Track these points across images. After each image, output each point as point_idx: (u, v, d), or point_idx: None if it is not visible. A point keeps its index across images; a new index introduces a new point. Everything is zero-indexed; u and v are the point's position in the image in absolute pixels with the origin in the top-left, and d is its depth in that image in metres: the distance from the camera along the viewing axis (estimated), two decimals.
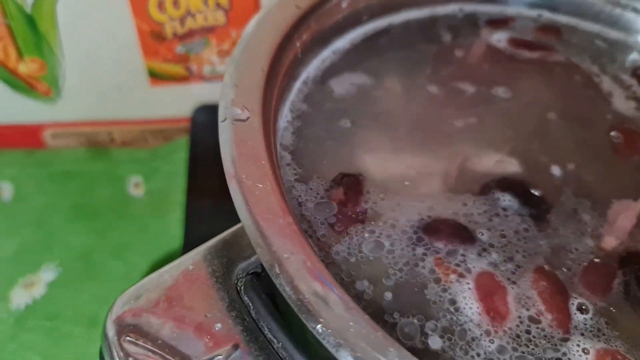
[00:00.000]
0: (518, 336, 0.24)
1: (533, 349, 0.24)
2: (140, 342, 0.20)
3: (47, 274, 0.43)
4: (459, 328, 0.24)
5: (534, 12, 0.40)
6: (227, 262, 0.24)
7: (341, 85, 0.33)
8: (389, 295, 0.24)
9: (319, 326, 0.19)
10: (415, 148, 0.32)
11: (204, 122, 0.48)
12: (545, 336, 0.24)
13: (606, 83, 0.36)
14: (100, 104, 0.48)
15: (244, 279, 0.23)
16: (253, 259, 0.24)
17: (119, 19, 0.42)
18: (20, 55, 0.44)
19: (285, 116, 0.31)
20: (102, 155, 0.50)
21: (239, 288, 0.23)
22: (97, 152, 0.50)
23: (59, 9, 0.42)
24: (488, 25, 0.38)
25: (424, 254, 0.26)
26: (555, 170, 0.30)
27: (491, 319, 0.24)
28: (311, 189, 0.28)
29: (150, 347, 0.20)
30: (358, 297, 0.24)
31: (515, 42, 0.37)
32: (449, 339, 0.24)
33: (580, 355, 0.24)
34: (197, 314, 0.22)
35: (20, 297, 0.42)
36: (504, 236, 0.27)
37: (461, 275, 0.26)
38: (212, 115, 0.48)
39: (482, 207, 0.28)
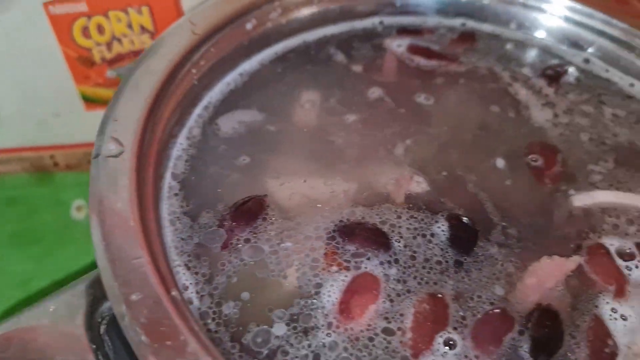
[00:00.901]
0: (357, 339, 0.24)
1: (365, 355, 0.24)
2: None
3: None
4: (307, 312, 0.24)
5: (456, 22, 0.40)
6: (94, 300, 0.24)
7: (243, 111, 0.33)
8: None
9: None
10: (321, 169, 0.31)
11: None
12: (387, 348, 0.24)
13: (521, 92, 0.36)
14: (41, 129, 0.48)
15: (107, 318, 0.23)
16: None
17: (46, 47, 0.43)
18: None
19: (180, 144, 0.31)
20: (46, 179, 0.50)
21: (100, 327, 0.23)
22: (42, 176, 0.50)
23: None
24: (397, 34, 0.38)
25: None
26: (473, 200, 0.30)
27: (339, 313, 0.24)
28: (200, 219, 0.28)
29: None
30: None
31: (413, 49, 0.37)
32: (294, 328, 0.24)
33: None
34: (49, 356, 0.22)
35: None
36: (413, 258, 0.27)
37: (345, 269, 0.26)
38: None
39: (415, 223, 0.28)
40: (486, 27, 0.40)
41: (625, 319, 0.26)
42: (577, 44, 0.38)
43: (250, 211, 0.28)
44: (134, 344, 0.20)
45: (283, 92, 0.34)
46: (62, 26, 0.42)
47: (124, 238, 0.23)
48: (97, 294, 0.24)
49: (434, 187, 0.30)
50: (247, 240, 0.27)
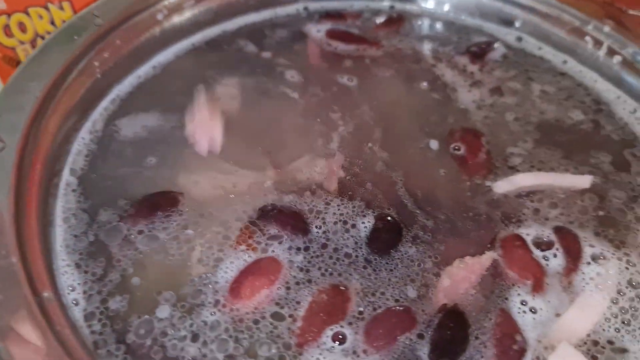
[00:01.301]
0: (241, 321, 0.23)
1: (246, 337, 0.23)
2: None
3: None
4: (198, 288, 0.24)
5: (384, 4, 0.39)
6: None
7: (146, 112, 0.31)
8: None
9: None
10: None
11: None
12: (272, 333, 0.23)
13: (446, 73, 0.34)
14: None
15: None
16: None
17: None
18: None
19: (82, 138, 0.29)
20: None
21: None
22: None
23: None
24: (320, 19, 0.37)
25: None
26: (404, 196, 0.28)
27: (229, 292, 0.24)
28: (99, 216, 0.26)
29: None
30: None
31: (332, 34, 0.36)
32: (181, 307, 0.23)
33: None
34: None
35: None
36: (325, 247, 0.26)
37: (251, 249, 0.25)
38: None
39: (343, 211, 0.27)
40: (414, 8, 0.38)
41: (534, 312, 0.24)
42: (506, 21, 0.37)
43: (159, 204, 0.26)
44: None
45: (197, 84, 0.33)
46: None
47: None
48: None
49: (360, 175, 0.28)
50: (150, 230, 0.26)
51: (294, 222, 0.26)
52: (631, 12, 0.36)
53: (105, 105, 0.31)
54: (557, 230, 0.27)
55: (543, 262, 0.26)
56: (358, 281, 0.25)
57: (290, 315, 0.23)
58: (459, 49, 0.36)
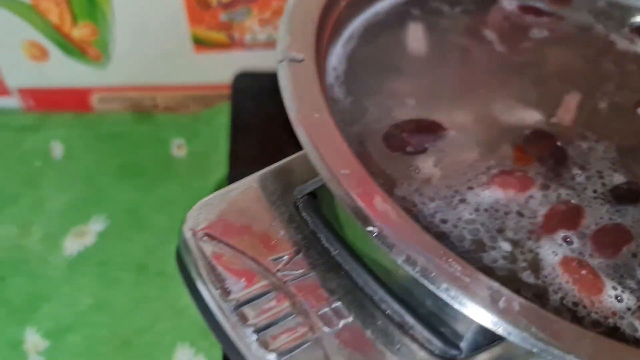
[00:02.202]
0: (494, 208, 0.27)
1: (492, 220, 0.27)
2: (214, 241, 0.23)
3: (96, 225, 0.46)
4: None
5: None
6: (285, 184, 0.26)
7: (383, 39, 0.36)
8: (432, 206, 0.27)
9: (373, 228, 0.22)
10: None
11: (244, 87, 0.50)
12: (518, 224, 0.27)
13: (621, 43, 0.38)
14: (147, 69, 0.50)
15: (302, 199, 0.26)
16: (309, 182, 0.26)
17: None
18: (74, 20, 0.46)
19: (333, 68, 0.33)
20: (146, 119, 0.53)
21: (297, 206, 0.26)
22: (141, 116, 0.53)
23: None
24: None
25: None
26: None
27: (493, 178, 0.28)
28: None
29: (224, 244, 0.22)
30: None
31: (524, 9, 0.39)
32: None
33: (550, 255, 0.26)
34: (262, 223, 0.24)
35: (72, 245, 0.44)
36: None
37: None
38: (253, 82, 0.51)
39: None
40: None
41: None
42: None
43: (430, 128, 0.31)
44: (350, 209, 0.23)
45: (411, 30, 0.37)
46: None
47: (324, 129, 0.25)
48: (289, 179, 0.26)
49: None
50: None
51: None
52: None
53: (343, 41, 0.35)
54: None
55: None
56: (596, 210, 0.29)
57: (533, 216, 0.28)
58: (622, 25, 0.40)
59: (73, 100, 0.52)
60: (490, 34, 0.38)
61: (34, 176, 0.48)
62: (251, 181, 0.26)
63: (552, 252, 0.27)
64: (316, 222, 0.25)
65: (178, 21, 0.47)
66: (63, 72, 0.50)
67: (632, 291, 0.25)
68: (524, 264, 0.26)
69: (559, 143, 0.31)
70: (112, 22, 0.47)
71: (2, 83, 0.50)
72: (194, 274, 0.22)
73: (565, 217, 0.28)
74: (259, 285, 0.22)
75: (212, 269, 0.22)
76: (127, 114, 0.53)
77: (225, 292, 0.21)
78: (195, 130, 0.52)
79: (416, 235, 0.22)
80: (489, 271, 0.26)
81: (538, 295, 0.26)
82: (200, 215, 0.24)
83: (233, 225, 0.24)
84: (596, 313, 0.25)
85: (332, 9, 0.33)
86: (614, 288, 0.25)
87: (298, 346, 0.21)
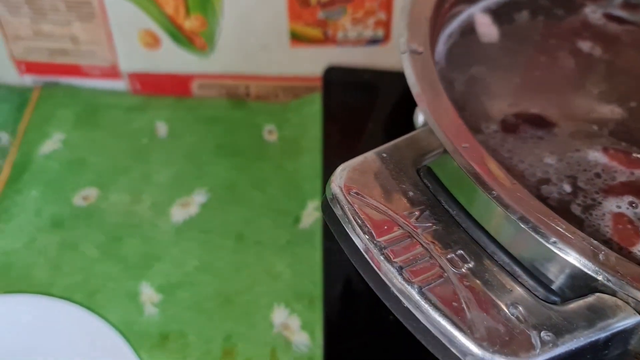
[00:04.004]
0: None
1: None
2: (358, 196, 0.27)
3: (199, 197, 0.51)
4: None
5: None
6: (408, 156, 0.31)
7: (483, 36, 0.40)
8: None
9: (493, 192, 0.26)
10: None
11: (334, 80, 0.55)
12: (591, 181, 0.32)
13: None
14: (244, 60, 0.55)
15: (423, 168, 0.30)
16: (428, 155, 0.31)
17: None
18: (187, 12, 0.52)
19: (436, 63, 0.38)
20: (240, 105, 0.58)
21: (420, 174, 0.30)
22: (236, 102, 0.58)
23: None
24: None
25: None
26: None
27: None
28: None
29: (370, 199, 0.27)
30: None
31: (609, 16, 0.43)
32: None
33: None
34: (393, 186, 0.29)
35: (178, 213, 0.50)
36: None
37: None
38: (341, 75, 0.56)
39: None
40: None
41: None
42: None
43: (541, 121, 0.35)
44: (470, 174, 0.27)
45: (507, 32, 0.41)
46: None
47: (445, 110, 0.30)
48: (414, 151, 0.31)
49: None
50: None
51: None
52: None
53: (446, 35, 0.40)
54: None
55: None
56: None
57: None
58: None
59: (175, 86, 0.57)
60: (579, 38, 0.42)
61: (142, 152, 0.54)
62: (384, 150, 0.31)
63: (615, 205, 0.31)
64: (436, 188, 0.29)
65: (279, 17, 0.52)
66: (171, 59, 0.55)
67: None
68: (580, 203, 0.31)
69: None
70: (221, 16, 0.52)
71: (115, 68, 0.56)
72: (344, 222, 0.27)
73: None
74: (398, 232, 0.26)
75: (359, 218, 0.26)
76: (223, 100, 0.58)
77: (372, 237, 0.26)
78: (285, 117, 0.57)
79: (526, 198, 0.26)
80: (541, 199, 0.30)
81: (575, 220, 0.30)
82: (343, 176, 0.29)
83: (370, 185, 0.28)
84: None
85: (441, 9, 0.38)
86: None
87: (433, 281, 0.25)
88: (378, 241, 0.26)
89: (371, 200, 0.27)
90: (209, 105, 0.58)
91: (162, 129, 0.55)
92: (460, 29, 0.41)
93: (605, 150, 0.35)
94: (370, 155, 0.30)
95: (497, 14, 0.42)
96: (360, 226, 0.26)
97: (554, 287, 0.27)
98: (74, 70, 0.56)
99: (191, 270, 0.46)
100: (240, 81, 0.57)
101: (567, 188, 0.32)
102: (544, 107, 0.37)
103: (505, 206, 0.26)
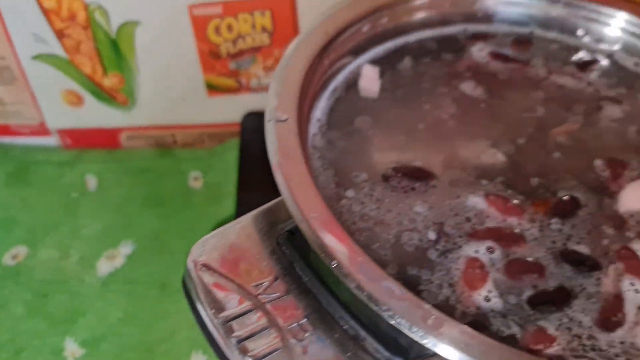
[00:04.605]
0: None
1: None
2: (209, 273, 0.29)
3: (125, 249, 0.53)
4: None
5: (525, 29, 0.48)
6: (271, 222, 0.33)
7: (364, 90, 0.42)
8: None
9: (333, 262, 0.28)
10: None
11: (252, 126, 0.57)
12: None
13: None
14: (167, 111, 0.58)
15: (283, 235, 0.32)
16: (289, 221, 0.33)
17: (184, 41, 0.52)
18: (104, 71, 0.54)
19: (317, 119, 0.40)
20: (167, 154, 0.60)
21: (279, 240, 0.32)
22: (163, 151, 0.60)
23: (137, 34, 0.52)
24: (473, 39, 0.46)
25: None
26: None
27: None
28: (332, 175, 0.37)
29: (221, 273, 0.29)
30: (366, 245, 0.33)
31: (494, 55, 0.45)
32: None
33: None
34: (250, 255, 0.31)
35: (104, 266, 0.52)
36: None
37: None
38: (259, 121, 0.58)
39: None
40: (549, 35, 0.48)
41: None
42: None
43: (417, 174, 0.37)
44: (317, 246, 0.29)
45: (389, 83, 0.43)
46: (200, 25, 0.51)
47: (299, 178, 0.32)
48: (272, 218, 0.33)
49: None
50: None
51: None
52: None
53: (327, 95, 0.41)
54: None
55: None
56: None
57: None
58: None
59: (104, 139, 0.59)
60: (463, 81, 0.44)
61: (72, 206, 0.56)
62: (245, 220, 0.33)
63: (474, 250, 0.33)
64: (293, 255, 0.31)
65: (193, 70, 0.54)
66: (96, 115, 0.57)
67: (504, 303, 0.31)
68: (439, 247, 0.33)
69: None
70: (137, 72, 0.54)
71: (43, 125, 0.58)
72: (194, 297, 0.29)
73: (504, 237, 0.34)
74: (243, 306, 0.28)
75: (207, 293, 0.28)
76: (151, 150, 0.60)
77: (217, 311, 0.28)
78: (210, 163, 0.59)
79: (367, 265, 0.28)
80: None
81: (428, 264, 0.32)
82: (201, 249, 0.31)
83: (227, 257, 0.30)
84: (460, 302, 0.31)
85: (317, 69, 0.40)
86: (489, 292, 0.31)
87: (270, 353, 0.27)
88: (222, 316, 0.28)
89: (222, 275, 0.29)
90: (138, 156, 0.60)
91: (92, 182, 0.57)
92: (346, 81, 0.43)
93: (486, 196, 0.36)
94: (230, 226, 0.32)
95: (384, 63, 0.44)
96: (206, 302, 0.28)
97: (397, 349, 0.29)
98: (3, 129, 0.58)
99: (115, 322, 0.48)
100: (166, 131, 0.59)
101: (432, 235, 0.34)
102: (427, 158, 0.39)
103: (344, 276, 0.28)
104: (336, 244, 0.29)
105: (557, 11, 0.47)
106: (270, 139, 0.34)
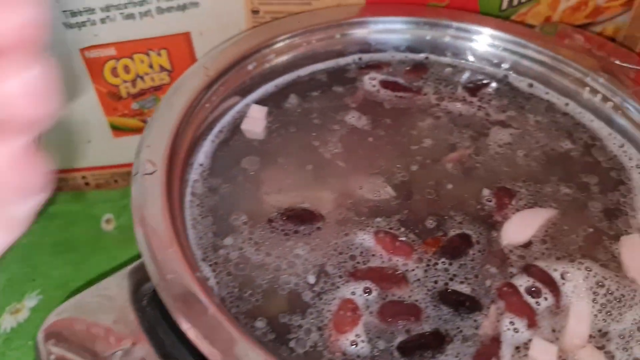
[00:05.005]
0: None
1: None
2: (60, 345, 0.28)
3: (30, 301, 0.51)
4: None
5: (420, 56, 0.48)
6: (137, 282, 0.32)
7: (248, 132, 0.41)
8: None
9: (184, 325, 0.27)
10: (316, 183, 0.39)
11: None
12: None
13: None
14: (75, 155, 0.56)
15: (149, 295, 0.31)
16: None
17: (81, 85, 0.51)
18: None
19: (200, 165, 0.39)
20: (79, 197, 0.58)
21: (144, 300, 0.31)
22: (75, 194, 0.58)
23: None
24: (366, 68, 0.46)
25: None
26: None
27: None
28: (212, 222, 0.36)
29: (68, 348, 0.28)
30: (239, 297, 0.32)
31: (384, 84, 0.45)
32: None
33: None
34: (106, 321, 0.29)
35: (7, 322, 0.50)
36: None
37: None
38: None
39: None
40: (443, 59, 0.48)
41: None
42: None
43: (303, 217, 0.36)
44: (171, 308, 0.28)
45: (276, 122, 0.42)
46: (95, 67, 0.50)
47: (160, 236, 0.31)
48: (139, 277, 0.32)
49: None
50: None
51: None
52: (619, 63, 0.45)
53: (211, 138, 0.40)
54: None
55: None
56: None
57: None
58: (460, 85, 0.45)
59: None
60: (350, 114, 0.43)
61: None
62: (108, 282, 0.32)
63: (351, 291, 0.32)
64: (157, 316, 0.30)
65: (95, 113, 0.53)
66: None
67: (372, 349, 0.31)
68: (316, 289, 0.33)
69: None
70: None
71: None
72: None
73: (385, 278, 0.34)
74: None
75: None
76: (63, 193, 0.58)
77: None
78: (122, 204, 0.57)
79: (219, 328, 0.27)
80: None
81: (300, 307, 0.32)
82: (56, 318, 0.29)
83: (82, 325, 0.29)
84: (327, 347, 0.30)
85: (197, 113, 0.39)
86: (357, 336, 0.30)
87: None
88: None
89: (75, 345, 0.28)
90: (48, 201, 0.58)
91: None
92: (234, 122, 0.42)
93: (376, 233, 0.36)
94: (91, 291, 0.31)
95: (272, 101, 0.43)
96: None
97: None
98: None
99: None
100: (76, 173, 0.58)
101: (311, 279, 0.33)
102: (316, 198, 0.38)
103: (193, 340, 0.27)
104: (188, 308, 0.28)
105: (431, 34, 0.47)
106: (134, 194, 0.33)
